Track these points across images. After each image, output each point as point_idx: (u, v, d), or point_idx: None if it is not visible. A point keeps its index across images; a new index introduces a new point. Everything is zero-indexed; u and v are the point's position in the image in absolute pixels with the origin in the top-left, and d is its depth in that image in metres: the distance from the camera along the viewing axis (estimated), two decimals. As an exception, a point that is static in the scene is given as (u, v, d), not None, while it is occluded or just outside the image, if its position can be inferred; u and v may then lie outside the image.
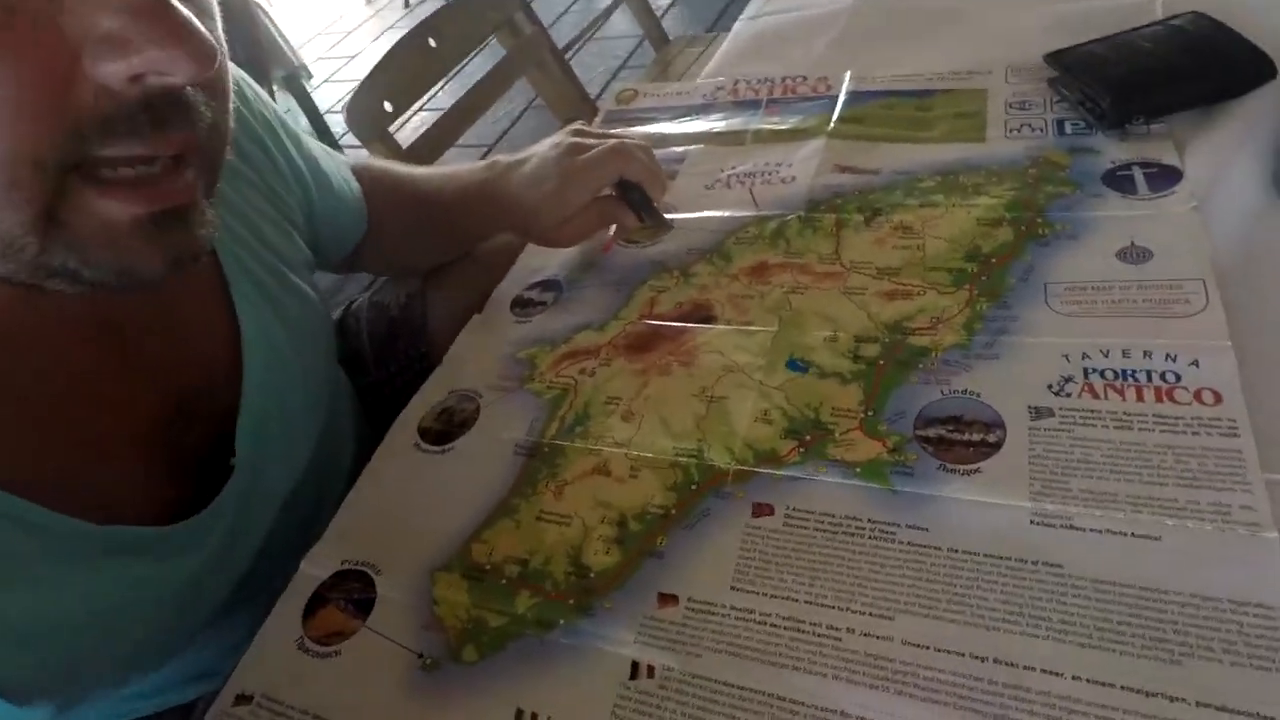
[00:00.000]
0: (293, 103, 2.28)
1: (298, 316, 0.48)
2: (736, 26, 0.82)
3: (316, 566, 0.43)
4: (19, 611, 0.33)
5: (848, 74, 0.68)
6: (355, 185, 0.61)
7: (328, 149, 0.60)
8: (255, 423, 0.44)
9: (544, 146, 0.57)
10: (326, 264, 0.62)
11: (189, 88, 0.28)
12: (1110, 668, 0.29)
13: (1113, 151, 0.52)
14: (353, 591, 0.42)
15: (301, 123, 2.25)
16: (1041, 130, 0.56)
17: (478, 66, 1.15)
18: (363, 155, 0.79)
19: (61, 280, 0.28)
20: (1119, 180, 0.49)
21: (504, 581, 0.40)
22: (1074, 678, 0.29)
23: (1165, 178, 0.48)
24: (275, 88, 2.17)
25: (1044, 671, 0.30)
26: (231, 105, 0.33)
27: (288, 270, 0.49)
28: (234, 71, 0.35)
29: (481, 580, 0.40)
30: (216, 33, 0.30)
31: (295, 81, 2.24)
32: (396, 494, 0.46)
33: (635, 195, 0.55)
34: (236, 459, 0.43)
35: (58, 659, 0.35)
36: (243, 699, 0.38)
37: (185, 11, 0.26)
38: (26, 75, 0.24)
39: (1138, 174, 0.49)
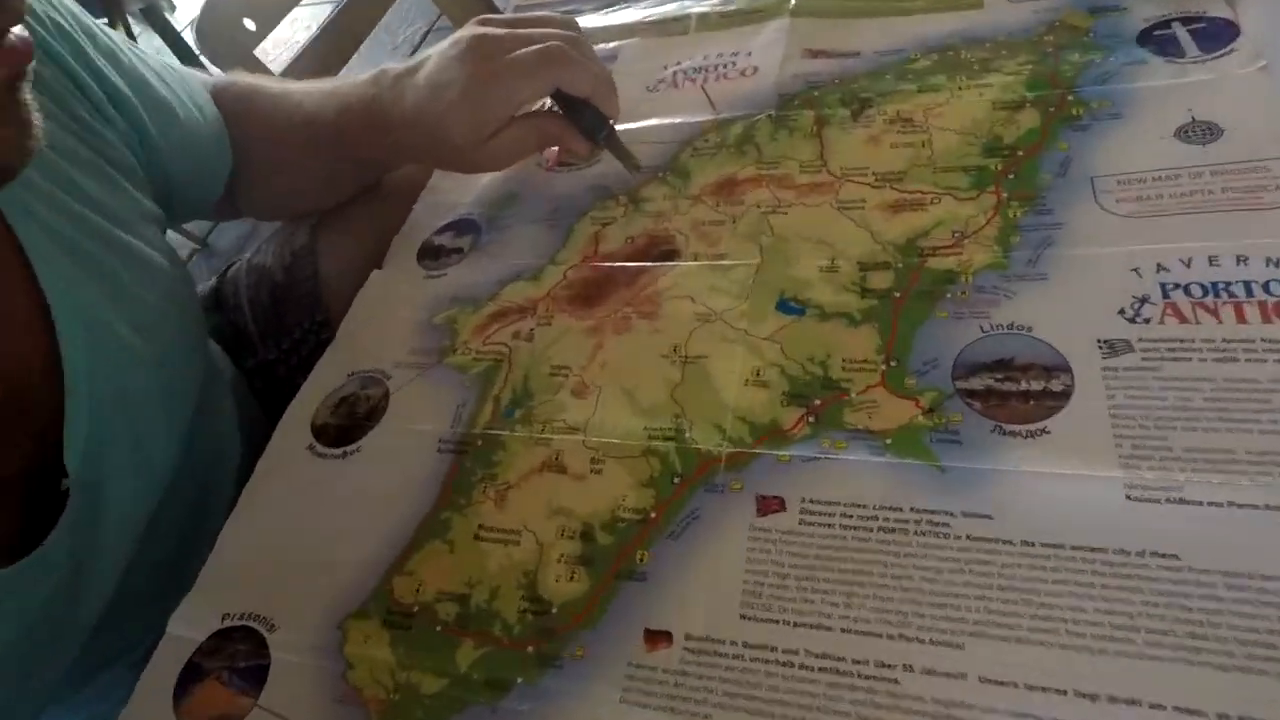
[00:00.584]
0: (156, 39, 1.99)
1: (139, 286, 0.36)
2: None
3: (188, 626, 0.33)
4: None
5: (807, -63, 0.56)
6: (212, 110, 0.47)
7: (170, 64, 0.45)
8: (87, 428, 0.32)
9: (443, 45, 0.43)
10: (193, 212, 0.49)
11: None
12: (1268, 695, 0.22)
13: (1142, 6, 0.42)
14: (238, 657, 0.31)
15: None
16: (1051, -12, 0.45)
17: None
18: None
19: None
20: (1158, 40, 0.40)
21: (439, 628, 0.30)
22: (1221, 716, 0.22)
23: (1217, 33, 0.39)
24: (132, 21, 1.89)
25: (1178, 710, 0.22)
26: None
27: (115, 227, 0.36)
28: None
29: (409, 628, 0.30)
30: None
31: (156, 13, 1.95)
32: (289, 516, 0.36)
33: (586, 115, 0.43)
34: (69, 478, 0.31)
35: None
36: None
37: None
38: None
39: (1180, 31, 0.40)
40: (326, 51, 0.83)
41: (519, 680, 0.28)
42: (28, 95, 0.25)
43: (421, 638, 0.30)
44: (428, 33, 2.18)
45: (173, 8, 2.07)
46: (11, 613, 0.30)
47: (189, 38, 2.07)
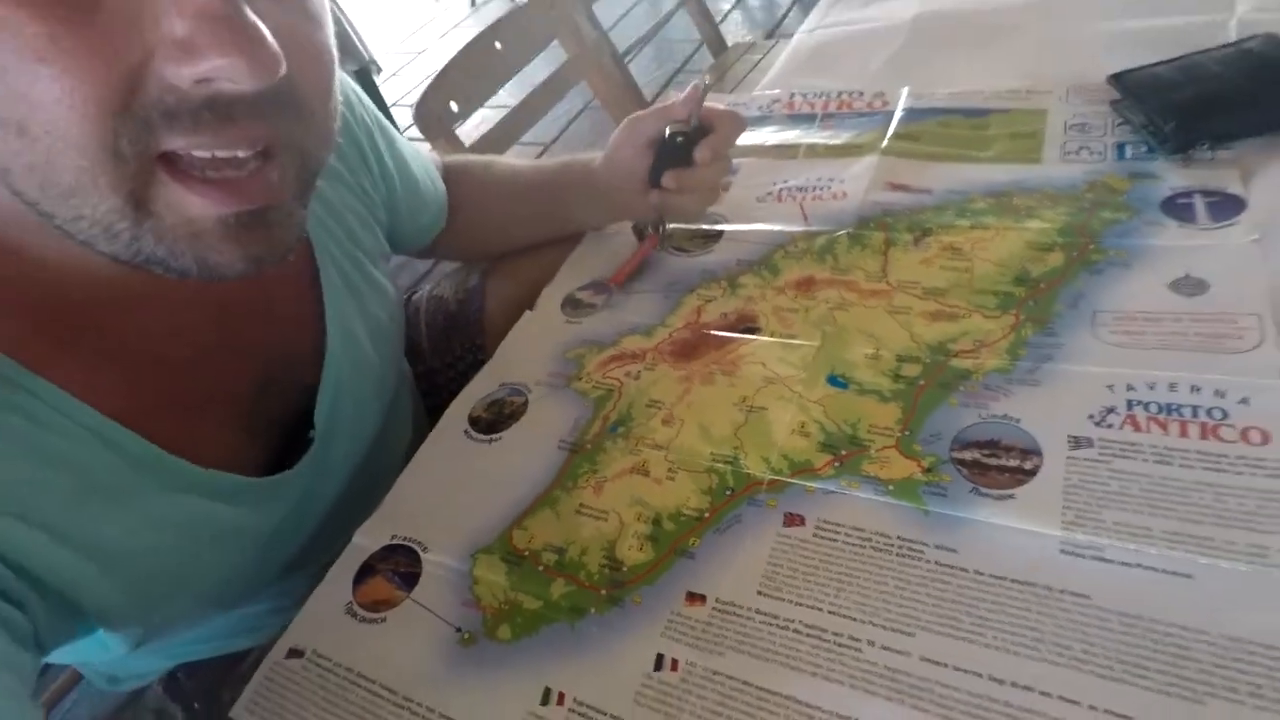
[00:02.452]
0: (363, 95, 2.35)
1: (375, 307, 0.52)
2: (795, 39, 0.83)
3: (368, 538, 0.46)
4: (121, 533, 0.36)
5: (904, 90, 0.68)
6: (440, 187, 0.64)
7: (417, 150, 0.63)
8: (331, 400, 0.47)
9: (617, 136, 0.60)
10: (401, 252, 0.65)
11: (267, 89, 0.28)
12: (1130, 701, 0.30)
13: (1174, 178, 0.51)
14: (400, 565, 0.44)
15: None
16: (1101, 153, 0.55)
17: (539, 67, 1.18)
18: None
19: (154, 265, 0.31)
20: (1179, 208, 0.49)
21: (540, 568, 0.42)
22: (1091, 707, 0.30)
23: (1228, 207, 0.47)
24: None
25: (1061, 699, 0.30)
26: (335, 109, 0.34)
27: (368, 262, 0.52)
28: (340, 81, 0.36)
29: (519, 565, 0.42)
30: (317, 37, 0.31)
31: (365, 75, 2.32)
32: (445, 477, 0.49)
33: (671, 155, 0.56)
34: (315, 430, 0.46)
35: (150, 583, 0.39)
36: (295, 653, 0.41)
37: (253, 20, 0.27)
38: (101, 70, 0.26)
39: (1199, 202, 0.48)
40: (505, 131, 1.02)
41: (592, 610, 0.39)
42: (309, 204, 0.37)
43: (527, 572, 0.42)
44: (581, 110, 2.45)
45: (379, 69, 2.44)
46: (265, 512, 0.44)
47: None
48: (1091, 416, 0.39)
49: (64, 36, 0.25)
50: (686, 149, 0.55)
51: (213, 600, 0.45)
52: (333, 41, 0.33)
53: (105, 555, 0.36)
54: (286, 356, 0.46)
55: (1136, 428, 0.38)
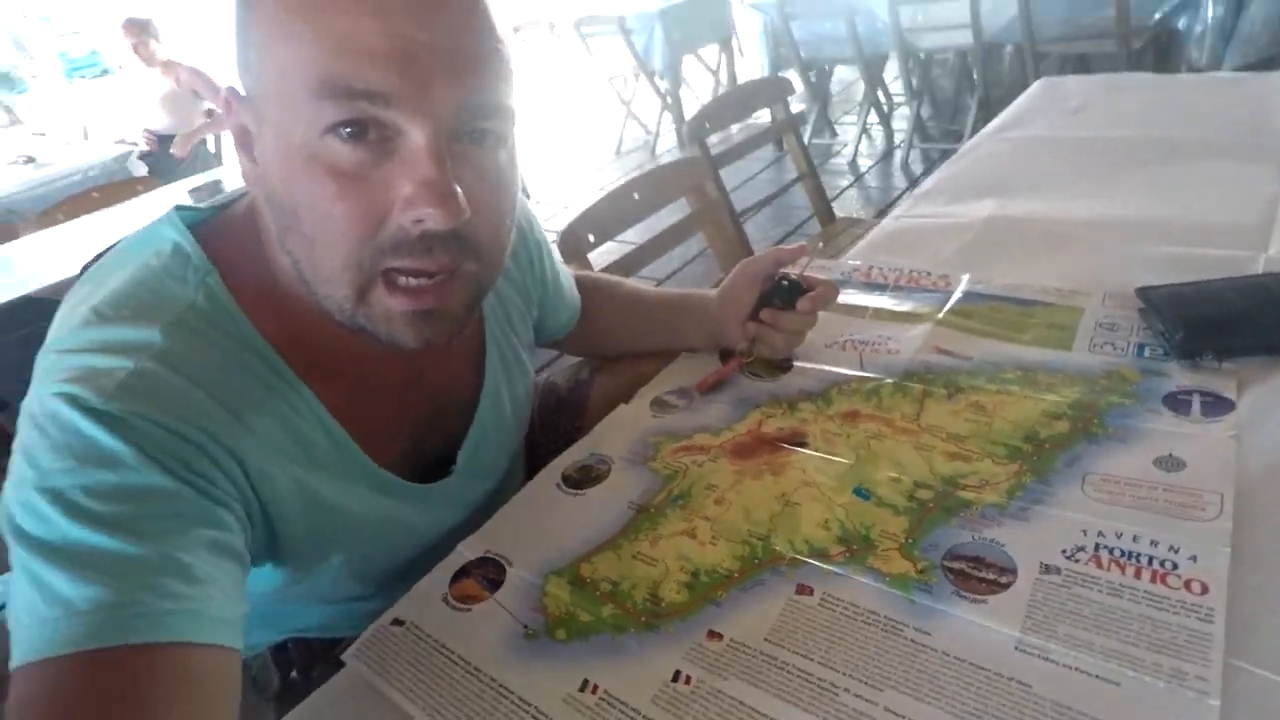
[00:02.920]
0: (536, 219, 2.70)
1: (518, 381, 0.68)
2: (883, 222, 0.98)
3: (468, 550, 0.58)
4: (324, 490, 0.52)
5: (966, 276, 0.80)
6: (576, 297, 0.80)
7: (564, 268, 0.80)
8: (474, 448, 0.62)
9: (731, 281, 0.75)
10: (536, 344, 0.82)
11: (453, 231, 0.43)
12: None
13: (1180, 378, 0.60)
14: (489, 573, 0.56)
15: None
16: (1123, 350, 0.65)
17: (667, 214, 1.38)
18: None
19: (363, 333, 0.47)
20: (1177, 402, 0.57)
21: (597, 593, 0.52)
22: (1014, 763, 0.37)
23: (1219, 407, 0.56)
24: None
25: (992, 753, 0.38)
26: (505, 247, 0.50)
27: (520, 346, 0.69)
28: (522, 207, 0.54)
29: (581, 588, 0.53)
30: (494, 201, 0.46)
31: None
32: (536, 515, 0.61)
33: (777, 295, 0.70)
34: (456, 467, 0.61)
35: (324, 532, 0.53)
36: (398, 622, 0.53)
37: (453, 186, 0.41)
38: (363, 214, 0.42)
39: (1196, 400, 0.57)
40: (629, 263, 1.21)
41: (631, 630, 0.49)
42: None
43: (586, 594, 0.52)
44: (696, 256, 2.70)
45: (528, 195, 2.81)
46: (409, 512, 0.58)
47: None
48: (1064, 551, 0.48)
49: (349, 193, 0.42)
50: (789, 294, 0.70)
51: (353, 571, 0.58)
52: (512, 203, 0.49)
53: (306, 496, 0.51)
54: (450, 405, 0.62)
55: (1099, 565, 0.46)
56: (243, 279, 0.49)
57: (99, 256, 0.52)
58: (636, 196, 1.16)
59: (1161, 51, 2.60)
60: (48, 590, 0.36)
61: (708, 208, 1.32)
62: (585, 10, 3.98)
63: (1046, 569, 0.47)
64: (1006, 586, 0.46)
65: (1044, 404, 0.60)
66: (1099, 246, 0.82)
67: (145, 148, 3.24)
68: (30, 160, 3.37)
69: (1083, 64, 2.80)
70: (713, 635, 0.48)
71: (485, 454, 0.64)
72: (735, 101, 1.70)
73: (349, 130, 0.41)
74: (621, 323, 0.82)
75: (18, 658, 0.36)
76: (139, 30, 3.09)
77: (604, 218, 1.12)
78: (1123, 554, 0.47)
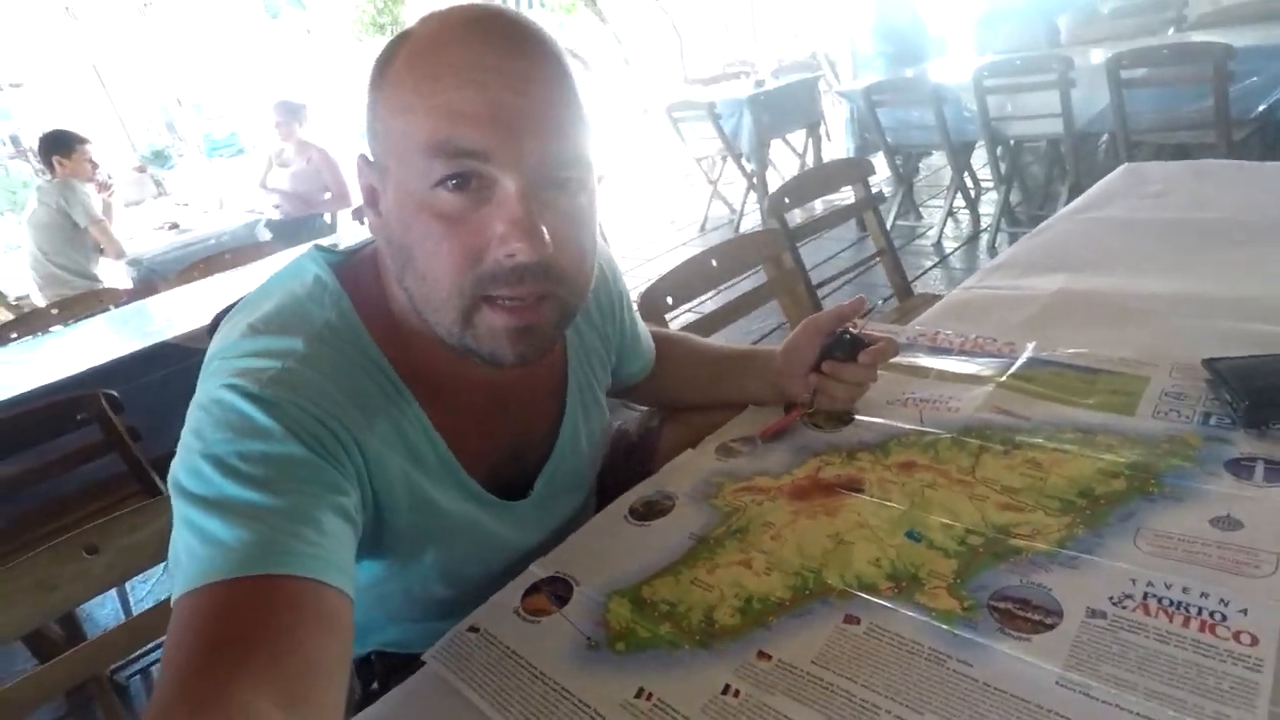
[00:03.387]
0: (619, 272, 2.85)
1: (594, 421, 0.74)
2: (953, 292, 1.01)
3: (540, 569, 0.63)
4: (420, 483, 0.59)
5: (1031, 344, 0.82)
6: (651, 347, 0.87)
7: (642, 322, 0.88)
8: (550, 477, 0.69)
9: (794, 336, 0.80)
10: (612, 389, 0.88)
11: (540, 262, 0.51)
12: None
13: (1245, 445, 0.60)
14: (558, 590, 0.61)
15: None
16: (1188, 418, 0.65)
17: (744, 283, 1.45)
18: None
19: (469, 353, 0.55)
20: (1240, 467, 0.58)
21: (656, 613, 0.56)
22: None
23: (1282, 474, 0.56)
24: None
25: (1025, 776, 0.39)
26: (588, 277, 0.58)
27: (598, 387, 0.76)
28: (604, 256, 0.62)
29: (642, 607, 0.57)
30: (575, 235, 0.54)
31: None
32: (604, 541, 0.66)
33: (839, 348, 0.74)
34: (535, 489, 0.68)
35: (422, 529, 0.60)
36: (473, 629, 0.58)
37: (538, 224, 0.50)
38: (464, 251, 0.51)
39: (1260, 466, 0.57)
40: (705, 324, 1.27)
41: (687, 646, 0.53)
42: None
43: (645, 613, 0.56)
44: (774, 330, 2.75)
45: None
46: (491, 525, 0.65)
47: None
48: (1111, 598, 0.49)
49: (454, 234, 0.51)
50: (850, 348, 0.74)
51: (442, 573, 0.65)
52: (592, 239, 0.57)
53: (412, 493, 0.59)
54: (532, 435, 0.69)
55: (1147, 612, 0.47)
56: (368, 307, 0.58)
57: (233, 304, 0.63)
58: (715, 264, 1.24)
59: (1268, 144, 2.54)
60: (205, 534, 0.45)
61: (784, 277, 1.38)
62: (678, 96, 4.22)
63: (1093, 613, 0.48)
64: (1051, 627, 0.48)
65: (1101, 463, 0.61)
66: (1168, 321, 0.82)
67: (276, 215, 3.62)
68: (174, 226, 3.82)
69: (1181, 153, 2.75)
70: (762, 655, 0.51)
71: (561, 480, 0.70)
72: (817, 179, 1.78)
73: (454, 182, 0.50)
74: (689, 374, 0.88)
75: (177, 591, 0.44)
76: (291, 112, 3.51)
77: (683, 282, 1.19)
78: (1172, 603, 0.47)
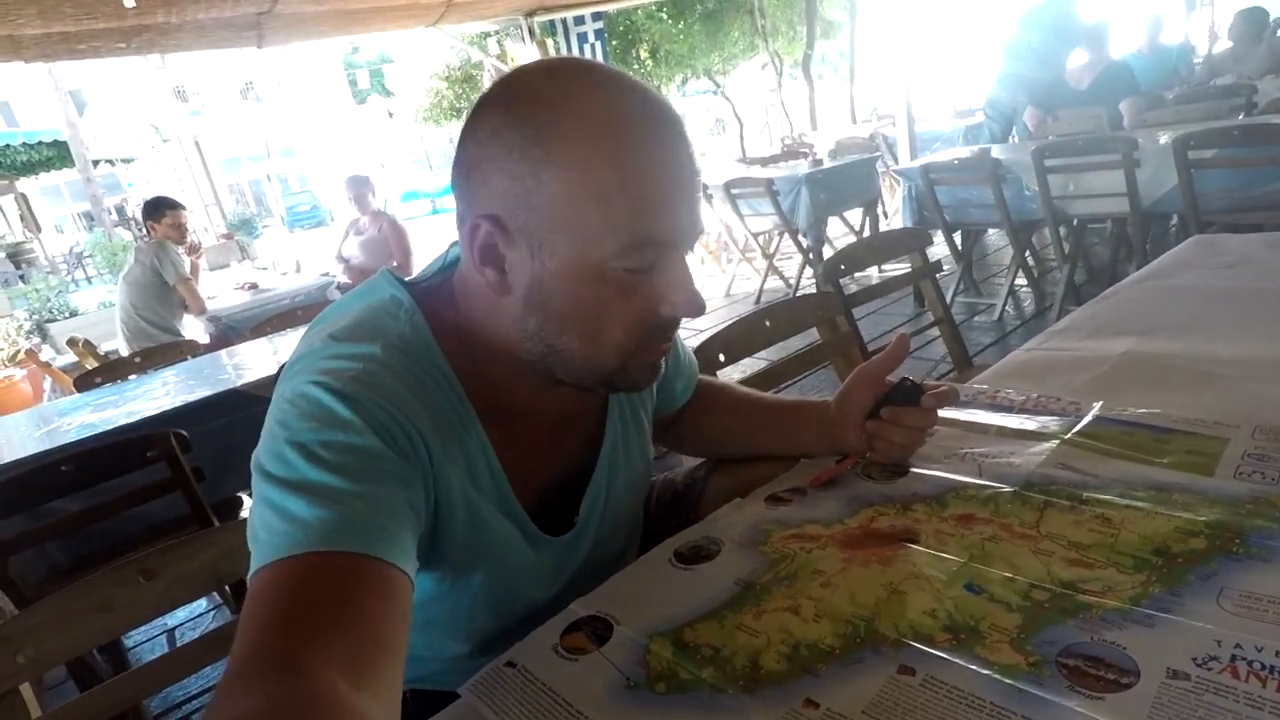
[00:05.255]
0: None
1: (635, 440, 0.75)
2: (1014, 354, 0.99)
3: (582, 607, 0.62)
4: (476, 501, 0.61)
5: (1099, 403, 0.79)
6: (695, 364, 0.87)
7: (684, 343, 0.88)
8: (591, 502, 0.69)
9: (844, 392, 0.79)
10: (657, 414, 0.87)
11: None
12: None
13: (1340, 510, 0.56)
14: (598, 628, 0.59)
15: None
16: (1274, 480, 0.61)
17: (797, 343, 1.44)
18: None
19: (604, 385, 0.61)
20: (1335, 531, 0.53)
21: (699, 656, 0.54)
22: None
23: (1386, 539, 0.51)
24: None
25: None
26: None
27: (639, 408, 0.76)
28: None
29: (684, 650, 0.55)
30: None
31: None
32: (647, 583, 0.65)
33: (899, 394, 0.72)
34: (579, 518, 0.68)
35: (472, 548, 0.61)
36: (510, 664, 0.57)
37: (698, 288, 0.58)
38: (642, 312, 0.57)
39: (1358, 530, 0.53)
40: (755, 381, 1.26)
41: (730, 691, 0.50)
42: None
43: (688, 656, 0.54)
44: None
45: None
46: (533, 555, 0.65)
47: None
48: (1195, 659, 0.45)
49: (632, 304, 0.57)
50: (911, 394, 0.72)
51: (488, 600, 0.65)
52: None
53: (469, 508, 0.60)
54: (580, 459, 0.70)
55: (1235, 675, 0.43)
56: (440, 326, 0.61)
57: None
58: (769, 324, 1.24)
59: (1341, 223, 2.44)
60: (286, 513, 0.48)
61: (838, 341, 1.37)
62: (736, 173, 4.33)
63: (1174, 674, 0.44)
64: (1127, 687, 0.44)
65: (1178, 521, 0.58)
66: (1246, 385, 0.78)
67: (344, 279, 3.81)
68: (253, 286, 4.05)
69: (1254, 232, 2.66)
70: (809, 704, 0.48)
71: (601, 506, 0.70)
72: (873, 247, 1.78)
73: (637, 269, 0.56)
74: (736, 422, 0.86)
75: (256, 564, 0.47)
76: (360, 185, 3.76)
77: (736, 338, 1.20)
78: (1264, 667, 0.43)
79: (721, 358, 1.24)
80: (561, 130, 0.53)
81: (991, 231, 4.04)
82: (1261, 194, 2.38)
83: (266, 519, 0.49)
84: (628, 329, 0.57)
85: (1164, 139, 2.57)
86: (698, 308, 0.58)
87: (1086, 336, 0.99)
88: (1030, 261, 3.35)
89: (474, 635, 0.68)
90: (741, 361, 1.28)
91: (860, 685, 0.49)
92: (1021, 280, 3.35)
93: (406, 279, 0.66)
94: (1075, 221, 3.05)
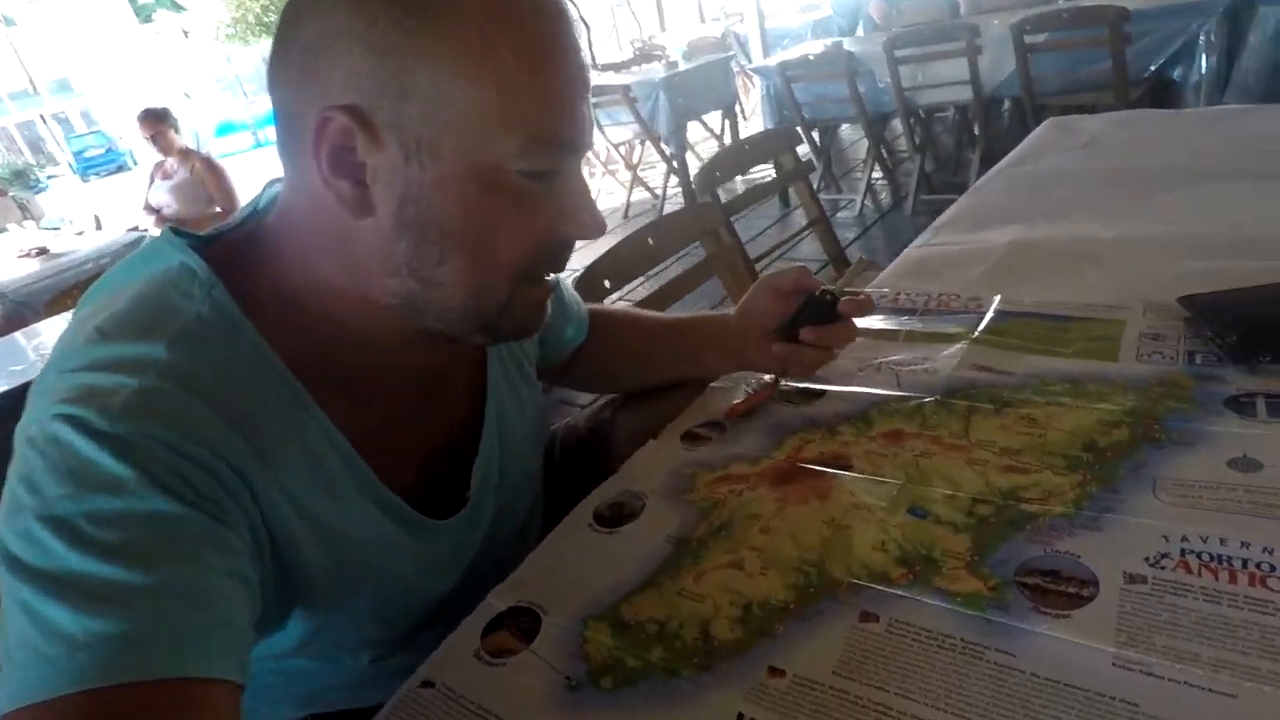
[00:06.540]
0: None
1: (525, 396, 0.65)
2: (905, 251, 0.97)
3: (499, 599, 0.54)
4: (332, 515, 0.49)
5: (997, 297, 0.79)
6: (583, 308, 0.78)
7: (568, 284, 0.79)
8: (484, 470, 0.60)
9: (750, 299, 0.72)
10: (546, 364, 0.77)
11: None
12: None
13: (1240, 382, 0.57)
14: (523, 623, 0.52)
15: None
16: (1173, 358, 0.62)
17: (683, 262, 1.38)
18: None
19: (483, 331, 0.50)
20: (1240, 404, 0.54)
21: (643, 636, 0.48)
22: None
23: (1287, 407, 0.53)
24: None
25: (1105, 783, 0.34)
26: None
27: (524, 360, 0.67)
28: None
29: (625, 632, 0.49)
30: None
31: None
32: (569, 558, 0.58)
33: (814, 308, 0.66)
34: (471, 492, 0.58)
35: (339, 567, 0.50)
36: (427, 684, 0.49)
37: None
38: (537, 227, 0.47)
39: (1260, 401, 0.54)
40: (647, 304, 1.20)
41: (685, 673, 0.45)
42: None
43: (631, 638, 0.49)
44: (714, 305, 2.71)
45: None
46: (422, 546, 0.55)
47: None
48: (1147, 559, 0.44)
49: (526, 216, 0.47)
50: (830, 309, 0.66)
51: (376, 614, 0.55)
52: None
53: (319, 527, 0.48)
54: (462, 421, 0.60)
55: (1188, 570, 0.42)
56: (252, 294, 0.47)
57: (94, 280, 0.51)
58: (651, 241, 1.16)
59: (1158, 103, 2.65)
60: (47, 625, 0.34)
61: (723, 252, 1.32)
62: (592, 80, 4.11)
63: (1131, 578, 0.43)
64: (1089, 599, 0.43)
65: (1099, 413, 0.57)
66: (1130, 264, 0.80)
67: (155, 231, 3.33)
68: (43, 252, 3.43)
69: (1083, 114, 2.86)
70: (774, 672, 0.44)
71: (497, 474, 0.61)
72: (745, 151, 1.73)
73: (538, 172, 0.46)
74: (635, 350, 0.79)
75: (12, 699, 0.33)
76: (157, 120, 3.22)
77: (621, 262, 1.11)
78: (1213, 558, 0.43)
79: (607, 284, 1.15)
80: (453, 3, 0.42)
81: (845, 127, 4.12)
82: (1088, 75, 2.53)
83: (22, 632, 0.35)
84: (523, 249, 0.48)
85: (1000, 24, 2.66)
86: (600, 225, 0.50)
87: (971, 228, 0.99)
88: (884, 154, 3.44)
89: (370, 646, 0.59)
90: (625, 287, 1.20)
91: (824, 642, 0.45)
92: (877, 173, 3.45)
93: (203, 235, 0.51)
94: (922, 112, 3.15)
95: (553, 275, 0.52)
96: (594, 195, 0.55)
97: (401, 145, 0.43)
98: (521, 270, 0.49)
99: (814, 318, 0.66)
